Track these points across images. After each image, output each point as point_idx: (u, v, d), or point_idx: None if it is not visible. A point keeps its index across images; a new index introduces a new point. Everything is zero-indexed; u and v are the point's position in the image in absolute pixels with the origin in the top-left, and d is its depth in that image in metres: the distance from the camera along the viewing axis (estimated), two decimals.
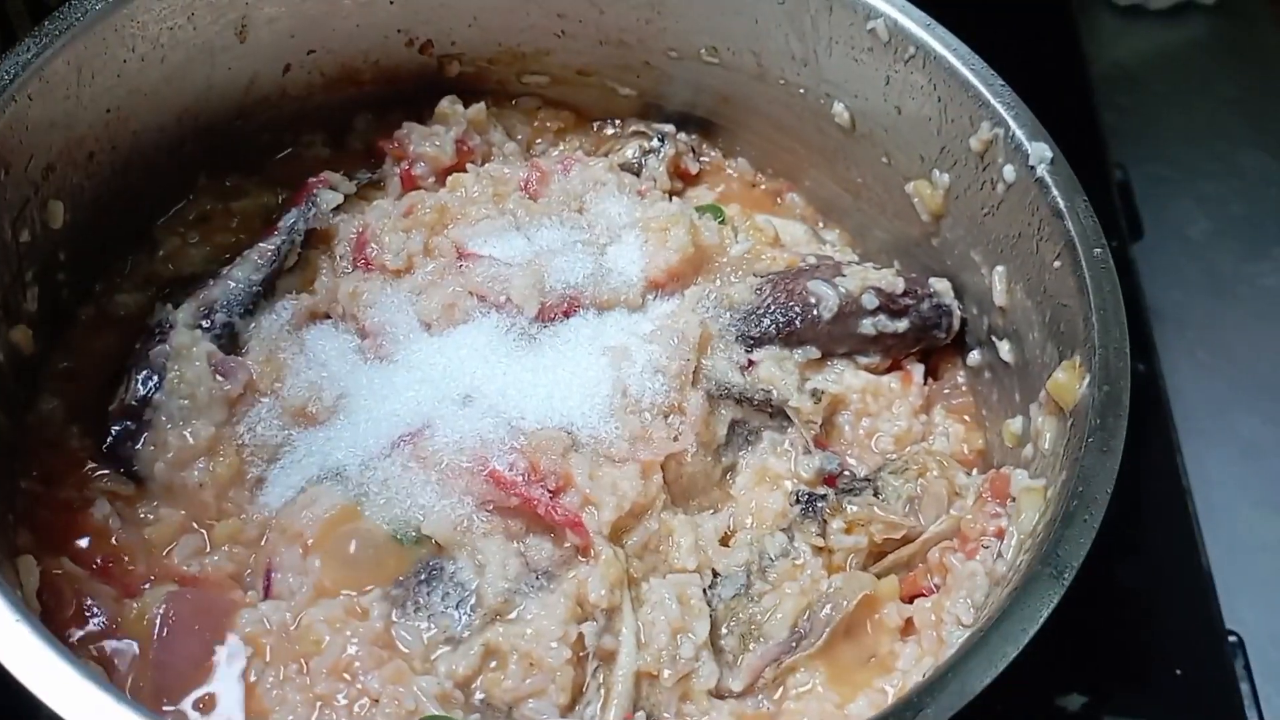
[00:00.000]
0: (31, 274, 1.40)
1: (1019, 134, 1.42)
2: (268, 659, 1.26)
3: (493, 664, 1.26)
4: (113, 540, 1.34)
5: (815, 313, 1.55)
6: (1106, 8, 2.68)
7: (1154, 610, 1.75)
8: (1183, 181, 2.46)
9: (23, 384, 1.41)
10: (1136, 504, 1.82)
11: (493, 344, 1.45)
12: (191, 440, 1.38)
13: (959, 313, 1.58)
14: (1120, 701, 1.66)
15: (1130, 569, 1.77)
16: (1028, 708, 1.64)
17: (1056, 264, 1.36)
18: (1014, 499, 1.35)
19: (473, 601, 1.29)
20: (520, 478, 1.34)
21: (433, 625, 1.28)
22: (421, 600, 1.29)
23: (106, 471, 1.39)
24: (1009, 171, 1.43)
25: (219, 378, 1.41)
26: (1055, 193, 1.37)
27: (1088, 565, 1.16)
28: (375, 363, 1.46)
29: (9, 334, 1.37)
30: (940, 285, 1.59)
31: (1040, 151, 1.39)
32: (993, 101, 1.44)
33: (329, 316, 1.54)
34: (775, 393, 1.51)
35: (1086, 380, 1.27)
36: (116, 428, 1.39)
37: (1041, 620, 1.10)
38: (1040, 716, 1.64)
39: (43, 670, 1.00)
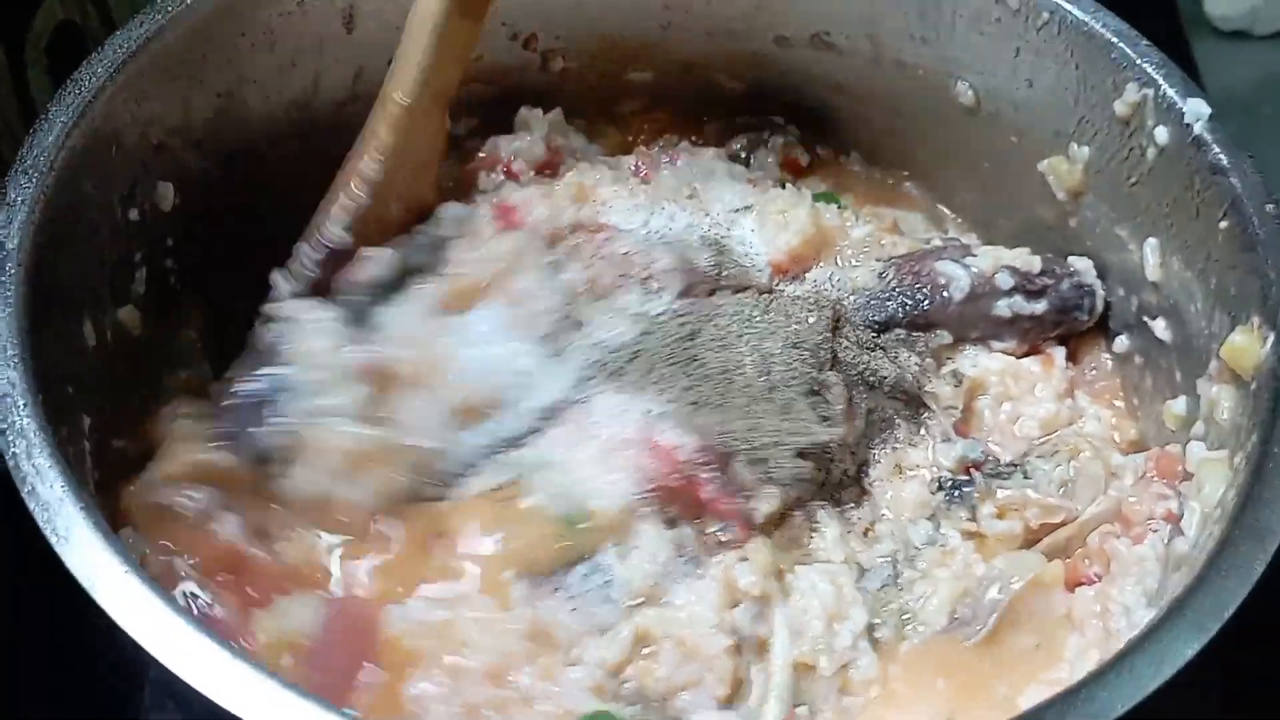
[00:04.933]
0: (140, 255, 1.36)
1: (1170, 92, 1.35)
2: (419, 662, 1.16)
3: (645, 651, 1.19)
4: (240, 547, 1.23)
5: (945, 294, 1.48)
6: (1211, 33, 2.61)
7: None
8: None
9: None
10: None
11: (638, 318, 1.39)
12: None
13: (1102, 292, 1.50)
14: None
15: None
16: None
17: (1223, 224, 1.27)
18: (1190, 476, 1.26)
19: (617, 586, 1.21)
20: (689, 456, 1.25)
21: (578, 612, 1.20)
22: (562, 586, 1.22)
23: (228, 466, 1.28)
24: (1161, 134, 1.35)
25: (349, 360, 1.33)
26: (1216, 149, 1.30)
27: None
28: (521, 337, 1.39)
29: (118, 314, 1.31)
30: (1081, 264, 1.51)
31: (1197, 108, 1.32)
32: (1139, 61, 1.37)
33: None
34: (911, 377, 1.43)
35: (1270, 340, 1.18)
36: (237, 419, 1.30)
37: (1251, 585, 1.01)
38: None
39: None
